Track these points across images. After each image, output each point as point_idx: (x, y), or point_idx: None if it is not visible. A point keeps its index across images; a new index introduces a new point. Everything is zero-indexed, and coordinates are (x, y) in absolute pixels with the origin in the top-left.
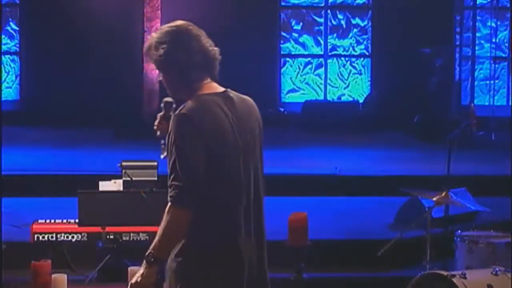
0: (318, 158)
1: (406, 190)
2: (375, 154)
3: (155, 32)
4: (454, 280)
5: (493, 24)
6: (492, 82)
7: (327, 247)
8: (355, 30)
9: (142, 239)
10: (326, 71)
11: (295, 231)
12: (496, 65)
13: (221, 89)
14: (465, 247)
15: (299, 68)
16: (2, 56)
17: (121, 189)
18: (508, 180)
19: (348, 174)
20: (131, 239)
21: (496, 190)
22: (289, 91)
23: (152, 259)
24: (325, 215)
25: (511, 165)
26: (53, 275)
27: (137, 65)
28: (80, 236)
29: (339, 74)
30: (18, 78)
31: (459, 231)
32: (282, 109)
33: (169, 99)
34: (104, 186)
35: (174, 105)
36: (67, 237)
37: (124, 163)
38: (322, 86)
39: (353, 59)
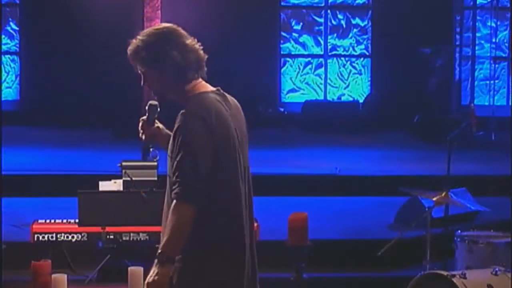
0: (318, 158)
1: (406, 190)
2: (375, 154)
3: (145, 31)
4: (454, 280)
5: (493, 24)
6: (492, 82)
7: (327, 247)
8: (355, 30)
9: (142, 239)
10: (326, 71)
11: (295, 231)
12: (496, 65)
13: (213, 87)
14: (465, 247)
15: (299, 68)
16: (2, 56)
17: (121, 189)
18: (508, 180)
19: (348, 174)
20: (131, 239)
21: (496, 190)
22: (289, 91)
23: (164, 258)
24: (325, 215)
25: (511, 165)
26: (53, 275)
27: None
28: (80, 236)
29: (339, 74)
30: (18, 78)
31: (459, 231)
32: (282, 109)
33: (154, 102)
34: (104, 186)
35: (158, 109)
36: (67, 237)
37: (124, 163)
38: (322, 86)
39: (353, 59)
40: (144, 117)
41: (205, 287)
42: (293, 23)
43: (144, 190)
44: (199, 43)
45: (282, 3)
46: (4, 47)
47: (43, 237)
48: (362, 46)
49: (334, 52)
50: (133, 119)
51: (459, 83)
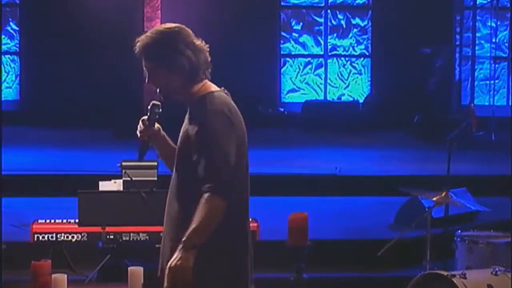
0: (318, 158)
1: (406, 190)
2: (375, 154)
3: (150, 31)
4: (454, 280)
5: (493, 24)
6: (492, 82)
7: (327, 247)
8: (355, 30)
9: (142, 239)
10: (326, 71)
11: (295, 231)
12: (496, 65)
13: (218, 87)
14: (465, 247)
15: (299, 68)
16: (2, 56)
17: (121, 189)
18: (508, 180)
19: (348, 174)
20: (131, 239)
21: (496, 190)
22: (289, 91)
23: (190, 245)
24: (325, 215)
25: (511, 165)
26: (53, 275)
27: (138, 65)
28: (80, 236)
29: (339, 74)
30: (18, 78)
31: (459, 231)
32: (282, 109)
33: (156, 102)
34: (104, 186)
35: (160, 110)
36: (67, 237)
37: (124, 163)
38: (322, 86)
39: (353, 59)
40: (145, 117)
41: (225, 276)
42: (293, 23)
43: (144, 190)
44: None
45: (282, 3)
46: (4, 47)
47: (43, 237)
48: (362, 46)
49: (334, 52)
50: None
51: (459, 83)
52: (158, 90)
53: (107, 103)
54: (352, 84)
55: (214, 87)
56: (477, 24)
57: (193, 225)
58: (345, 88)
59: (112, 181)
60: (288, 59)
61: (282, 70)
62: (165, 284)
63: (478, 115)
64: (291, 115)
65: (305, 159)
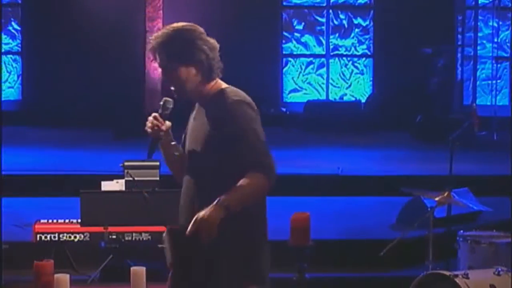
0: (320, 158)
1: (408, 190)
2: (377, 154)
3: (165, 28)
4: (457, 280)
5: (495, 24)
6: (494, 82)
7: (330, 247)
8: (357, 30)
9: (144, 239)
10: (328, 71)
11: (297, 231)
12: (498, 65)
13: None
14: (468, 247)
15: (301, 68)
16: (4, 56)
17: (124, 189)
18: (509, 180)
19: (350, 174)
20: (133, 239)
21: (498, 190)
22: (291, 91)
23: (225, 205)
24: (328, 215)
25: (511, 165)
26: (55, 275)
27: (139, 65)
28: (82, 236)
29: (341, 74)
30: (20, 78)
31: (462, 231)
32: (284, 109)
33: (169, 98)
34: (107, 186)
35: (172, 106)
36: (70, 237)
37: (126, 163)
38: (324, 86)
39: (355, 59)
40: (156, 114)
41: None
42: (295, 23)
43: (146, 190)
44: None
45: (284, 3)
46: (6, 47)
47: (46, 237)
48: (364, 46)
49: (336, 52)
50: (134, 119)
51: (461, 83)
52: (172, 88)
53: (109, 103)
54: (354, 84)
55: (226, 84)
56: (479, 24)
57: (232, 192)
58: (347, 88)
59: (115, 181)
60: (290, 59)
61: (284, 70)
62: (188, 231)
63: (480, 115)
64: (293, 115)
65: (307, 159)
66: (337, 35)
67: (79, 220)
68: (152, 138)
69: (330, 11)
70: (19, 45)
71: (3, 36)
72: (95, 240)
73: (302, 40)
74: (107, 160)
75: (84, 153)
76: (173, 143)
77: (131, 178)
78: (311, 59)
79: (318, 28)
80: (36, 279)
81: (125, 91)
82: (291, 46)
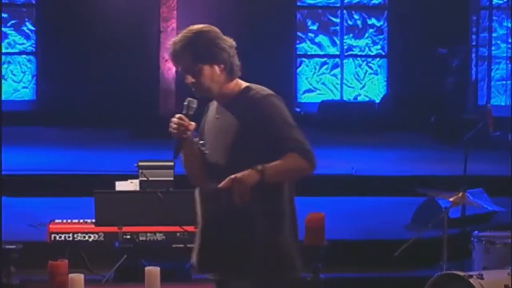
0: (334, 158)
1: (422, 190)
2: (391, 154)
3: (184, 32)
4: (471, 280)
5: (509, 24)
6: (508, 82)
7: (344, 247)
8: (371, 30)
9: (158, 239)
10: (342, 71)
11: (312, 231)
12: None
13: None
14: (482, 247)
15: (315, 68)
16: (19, 56)
17: (138, 189)
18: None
19: (364, 174)
20: (147, 239)
21: None
22: (305, 91)
23: (262, 170)
24: (342, 215)
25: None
26: (70, 275)
27: (153, 65)
28: (96, 236)
29: (355, 74)
30: (34, 78)
31: (476, 232)
32: (298, 109)
33: (193, 99)
34: (121, 186)
35: (196, 106)
36: (84, 237)
37: (140, 163)
38: (338, 86)
39: (369, 59)
40: (180, 114)
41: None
42: (309, 23)
43: (160, 190)
44: None
45: (298, 3)
46: (20, 47)
47: (60, 237)
48: (378, 46)
49: (350, 52)
50: (148, 119)
51: (476, 83)
52: (194, 88)
53: (123, 103)
54: (368, 84)
55: (243, 83)
56: (493, 24)
57: (273, 164)
58: (361, 88)
59: (129, 181)
60: (304, 59)
61: (298, 70)
62: (220, 185)
63: (495, 115)
64: (307, 115)
65: (321, 159)
66: (351, 35)
67: (94, 220)
68: (177, 138)
69: (344, 11)
70: (34, 45)
71: (18, 37)
72: (109, 240)
73: (316, 40)
74: (121, 160)
75: (98, 153)
76: (197, 139)
77: (145, 178)
78: (325, 59)
79: (332, 28)
80: (51, 279)
81: (139, 91)
82: (305, 47)
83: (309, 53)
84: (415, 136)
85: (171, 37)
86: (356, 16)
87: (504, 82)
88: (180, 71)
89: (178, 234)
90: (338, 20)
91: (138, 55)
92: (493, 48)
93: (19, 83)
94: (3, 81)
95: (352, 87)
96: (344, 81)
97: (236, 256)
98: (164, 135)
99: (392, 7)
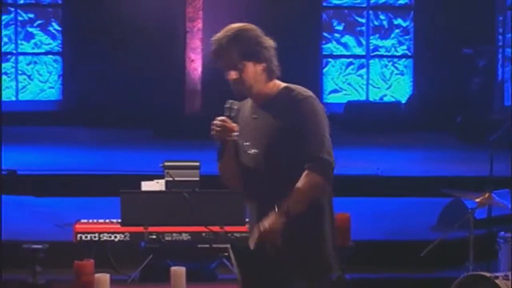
0: (360, 158)
1: (448, 191)
2: (417, 155)
3: (228, 28)
4: (497, 281)
5: None
6: None
7: (370, 248)
8: (397, 30)
9: (184, 239)
10: (368, 72)
11: (338, 232)
12: None
13: None
14: (509, 248)
15: (341, 69)
16: (45, 56)
17: (164, 189)
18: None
19: (390, 174)
20: (173, 239)
21: None
22: (331, 92)
23: (285, 211)
24: (368, 216)
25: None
26: (96, 275)
27: (179, 66)
28: (122, 236)
29: (381, 75)
30: (60, 78)
31: (503, 233)
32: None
33: (234, 100)
34: (147, 186)
35: (237, 107)
36: (110, 237)
37: (166, 163)
38: (364, 87)
39: (395, 60)
40: (223, 117)
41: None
42: (335, 24)
43: (186, 190)
44: None
45: (324, 4)
46: (46, 47)
47: (86, 237)
48: (404, 47)
49: (376, 53)
50: (174, 119)
51: (502, 83)
52: (236, 85)
53: (149, 103)
54: (394, 84)
55: (281, 83)
56: None
57: (291, 197)
58: (387, 89)
59: (155, 181)
60: (330, 59)
61: (324, 70)
62: (251, 244)
63: None
64: (333, 115)
65: (347, 159)
66: (377, 35)
67: (120, 220)
68: (221, 141)
69: (370, 11)
70: (60, 45)
71: (44, 37)
72: (135, 240)
73: (342, 40)
74: (147, 160)
75: (124, 153)
76: (242, 141)
77: (171, 178)
78: (351, 59)
79: (358, 28)
80: (77, 278)
81: (165, 92)
82: (331, 47)
83: (335, 53)
84: (441, 136)
85: (197, 38)
86: (382, 17)
87: None
88: (222, 67)
89: (203, 234)
90: (364, 21)
91: (164, 55)
92: None
93: (45, 83)
94: (29, 81)
95: (378, 88)
96: (370, 81)
97: (279, 254)
98: (191, 135)
99: (418, 7)
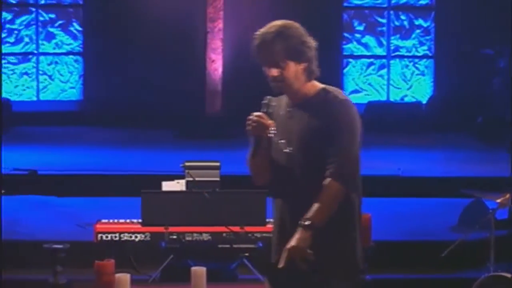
0: (380, 159)
1: (469, 191)
2: (437, 155)
3: (273, 25)
4: None
5: None
6: None
7: (391, 248)
8: (418, 31)
9: (205, 239)
10: (388, 72)
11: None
12: None
13: None
14: None
15: (362, 69)
16: (66, 57)
17: (184, 189)
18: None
19: (411, 175)
20: (194, 239)
21: None
22: (352, 92)
23: (310, 226)
24: (388, 216)
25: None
26: (116, 275)
27: (200, 66)
28: (143, 236)
29: (402, 75)
30: (81, 79)
31: None
32: None
33: (271, 97)
34: (167, 186)
35: (275, 104)
36: (130, 237)
37: (187, 163)
38: (385, 87)
39: (416, 60)
40: (259, 113)
41: (339, 259)
42: (355, 24)
43: (207, 190)
44: None
45: (345, 4)
46: (67, 47)
47: (107, 236)
48: (425, 47)
49: (397, 53)
50: (195, 120)
51: None
52: (276, 82)
53: (170, 103)
54: (415, 85)
55: (320, 84)
56: None
57: (314, 208)
58: (408, 89)
59: (175, 181)
60: (350, 59)
61: (345, 70)
62: (281, 264)
63: None
64: None
65: (368, 159)
66: (398, 36)
67: (140, 220)
68: (256, 137)
69: (391, 12)
70: (81, 45)
71: (65, 37)
72: (156, 240)
73: (363, 41)
74: (167, 160)
75: (145, 153)
76: (277, 139)
77: (191, 179)
78: (372, 60)
79: (379, 29)
80: (97, 278)
81: (186, 92)
82: (351, 47)
83: (355, 53)
84: (462, 137)
85: (218, 38)
86: (403, 17)
87: None
88: (262, 62)
89: (224, 234)
90: (385, 21)
91: (185, 55)
92: None
93: (66, 83)
94: (50, 81)
95: (399, 88)
96: (391, 82)
97: (312, 264)
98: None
99: (439, 7)
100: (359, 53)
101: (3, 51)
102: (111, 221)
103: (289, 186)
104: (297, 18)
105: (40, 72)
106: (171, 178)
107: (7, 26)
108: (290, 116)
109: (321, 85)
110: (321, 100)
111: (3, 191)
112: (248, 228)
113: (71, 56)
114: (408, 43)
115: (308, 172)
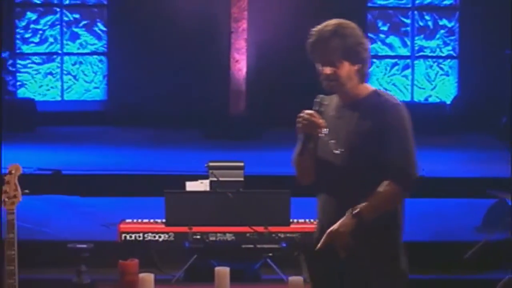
0: None
1: (493, 192)
2: (462, 156)
3: (331, 23)
4: None
5: None
6: None
7: (414, 249)
8: (442, 31)
9: (228, 239)
10: (413, 72)
11: None
12: None
13: None
14: None
15: (386, 69)
16: (90, 57)
17: (208, 189)
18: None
19: (434, 175)
20: (217, 239)
21: None
22: None
23: (357, 214)
24: (411, 217)
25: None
26: (140, 274)
27: (224, 66)
28: (167, 236)
29: (426, 75)
30: (105, 78)
31: None
32: None
33: (324, 96)
34: (191, 186)
35: (327, 103)
36: (154, 236)
37: (211, 164)
38: (409, 87)
39: (440, 60)
40: (311, 111)
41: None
42: (380, 24)
43: (230, 190)
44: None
45: (369, 4)
46: (91, 48)
47: (130, 236)
48: (450, 47)
49: (421, 53)
50: (219, 120)
51: None
52: (329, 81)
53: (193, 103)
54: (439, 85)
55: (370, 86)
56: None
57: (368, 201)
58: (432, 90)
59: (199, 181)
60: (374, 60)
61: (369, 71)
62: (320, 246)
63: None
64: None
65: None
66: (422, 36)
67: (164, 220)
68: (306, 135)
69: (415, 12)
70: (105, 45)
71: (89, 37)
72: (180, 240)
73: (387, 41)
74: (191, 160)
75: (168, 153)
76: (327, 139)
77: (215, 179)
78: (396, 60)
79: (403, 29)
80: (121, 278)
81: (209, 92)
82: (376, 47)
83: (380, 54)
84: (486, 137)
85: (242, 38)
86: (427, 17)
87: None
88: (316, 60)
89: (248, 234)
90: (409, 21)
91: (209, 55)
92: None
93: (90, 83)
94: (74, 81)
95: (423, 88)
96: (415, 82)
97: (357, 249)
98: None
99: (464, 8)
100: (383, 53)
101: (28, 51)
102: (135, 221)
103: (335, 187)
104: (321, 18)
105: (65, 72)
106: (195, 178)
107: (32, 26)
108: (339, 116)
109: (373, 88)
110: (372, 102)
111: (27, 191)
112: (272, 228)
113: (95, 56)
114: (433, 43)
115: (357, 174)
